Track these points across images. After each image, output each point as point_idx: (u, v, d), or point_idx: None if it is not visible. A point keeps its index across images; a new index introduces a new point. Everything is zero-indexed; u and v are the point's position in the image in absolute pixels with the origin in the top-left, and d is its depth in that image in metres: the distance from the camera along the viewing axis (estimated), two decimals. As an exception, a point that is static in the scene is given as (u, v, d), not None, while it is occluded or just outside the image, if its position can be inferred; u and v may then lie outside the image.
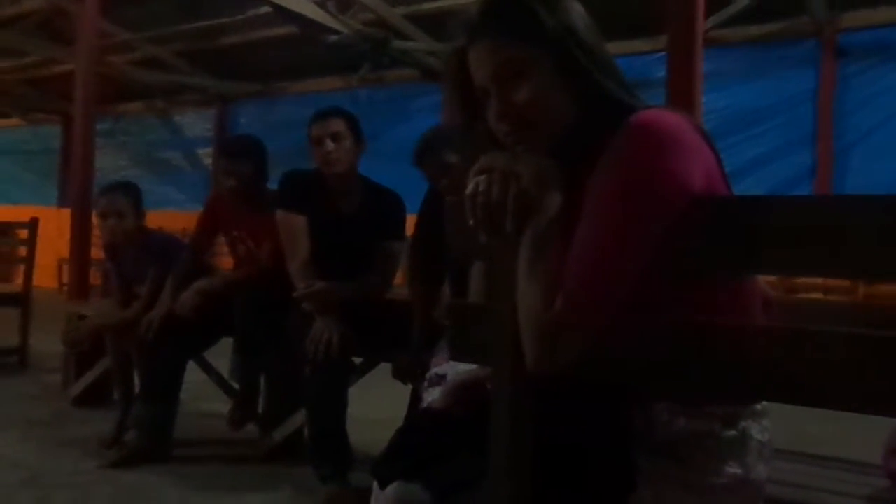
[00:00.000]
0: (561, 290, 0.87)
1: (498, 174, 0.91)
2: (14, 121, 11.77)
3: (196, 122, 9.94)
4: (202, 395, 3.28)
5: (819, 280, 5.16)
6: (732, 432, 0.97)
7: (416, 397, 2.44)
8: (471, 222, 0.90)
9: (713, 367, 0.85)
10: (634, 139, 0.89)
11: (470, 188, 0.91)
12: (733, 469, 0.97)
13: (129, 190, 2.95)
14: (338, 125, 2.54)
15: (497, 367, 0.93)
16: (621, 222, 0.87)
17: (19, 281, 4.51)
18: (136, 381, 2.96)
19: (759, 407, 1.01)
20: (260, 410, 3.01)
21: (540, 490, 0.92)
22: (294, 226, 2.55)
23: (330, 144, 2.52)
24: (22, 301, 4.32)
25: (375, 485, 1.06)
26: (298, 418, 2.72)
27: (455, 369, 1.96)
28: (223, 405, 3.16)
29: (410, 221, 2.77)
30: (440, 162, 2.31)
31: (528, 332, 0.88)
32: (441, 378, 1.97)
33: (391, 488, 0.99)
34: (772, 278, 4.17)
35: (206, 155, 9.74)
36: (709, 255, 0.87)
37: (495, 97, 0.98)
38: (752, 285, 1.03)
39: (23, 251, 4.43)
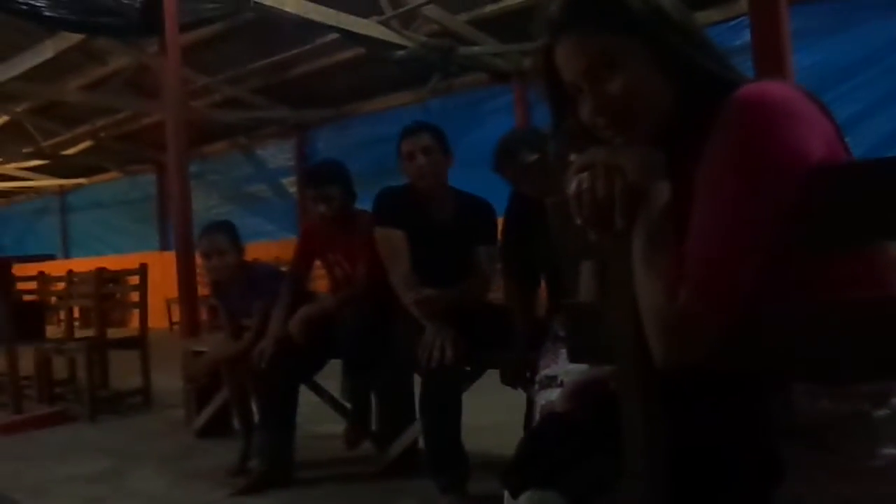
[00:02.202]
0: (684, 280, 0.83)
1: (600, 169, 0.88)
2: (113, 174, 12.50)
3: (277, 154, 10.27)
4: (317, 418, 3.36)
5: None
6: (885, 411, 0.91)
7: (531, 401, 2.42)
8: (578, 222, 0.88)
9: (857, 344, 0.79)
10: (743, 115, 0.84)
11: (573, 187, 0.88)
12: (890, 450, 0.90)
13: (226, 229, 3.07)
14: (427, 140, 2.61)
15: (622, 368, 0.90)
16: (741, 204, 0.82)
17: (134, 324, 4.77)
18: (255, 409, 3.06)
19: None
20: (374, 427, 3.06)
21: (680, 492, 0.88)
22: (393, 241, 2.61)
23: (421, 159, 2.58)
24: (140, 343, 4.56)
25: (507, 494, 1.05)
26: (412, 432, 2.74)
27: (565, 369, 1.93)
28: (338, 426, 3.24)
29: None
30: (519, 165, 2.29)
31: (654, 328, 0.85)
32: (551, 380, 1.94)
33: (525, 497, 0.97)
34: None
35: (289, 184, 10.04)
36: (839, 224, 0.82)
37: (589, 92, 0.95)
38: (884, 253, 0.96)
39: (135, 296, 4.68)
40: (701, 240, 0.84)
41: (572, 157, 0.97)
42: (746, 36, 2.77)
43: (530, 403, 2.44)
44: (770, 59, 2.28)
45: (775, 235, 0.82)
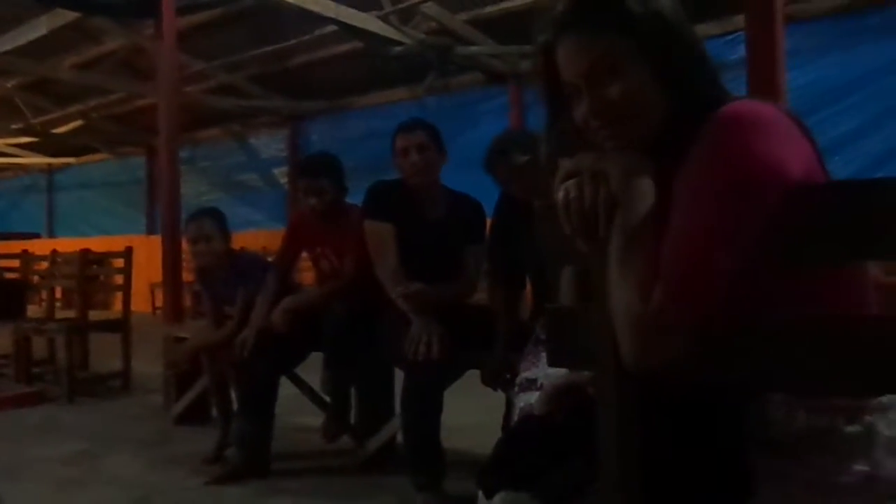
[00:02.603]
0: (659, 283, 0.84)
1: (587, 177, 0.89)
2: (102, 155, 12.42)
3: (270, 143, 10.24)
4: (296, 410, 3.35)
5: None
6: (857, 428, 0.92)
7: (510, 403, 2.43)
8: (567, 230, 0.89)
9: (832, 361, 0.81)
10: (723, 130, 0.86)
11: (561, 195, 0.89)
12: (860, 466, 0.92)
13: (214, 215, 3.06)
14: (422, 137, 2.60)
15: (600, 372, 0.91)
16: (717, 212, 0.84)
17: (117, 307, 4.74)
18: (234, 398, 3.06)
19: (884, 400, 0.96)
20: (353, 422, 3.06)
21: (653, 500, 0.89)
22: (381, 234, 2.60)
23: (415, 155, 2.58)
24: (122, 326, 4.54)
25: (481, 494, 1.06)
26: (391, 428, 2.75)
27: (545, 373, 1.94)
28: (317, 418, 3.24)
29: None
30: (510, 165, 2.30)
31: (625, 329, 0.86)
32: (531, 382, 1.95)
33: (499, 497, 0.98)
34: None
35: (281, 174, 10.02)
36: (813, 243, 0.83)
37: (587, 93, 0.95)
38: (862, 272, 0.98)
39: (119, 279, 4.65)
40: (676, 243, 0.85)
41: (562, 161, 0.98)
42: (742, 51, 2.80)
43: (509, 405, 2.45)
44: (764, 76, 2.30)
45: (749, 248, 0.83)
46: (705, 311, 0.83)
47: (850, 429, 0.92)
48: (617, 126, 0.95)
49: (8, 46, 6.20)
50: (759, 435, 0.94)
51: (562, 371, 1.65)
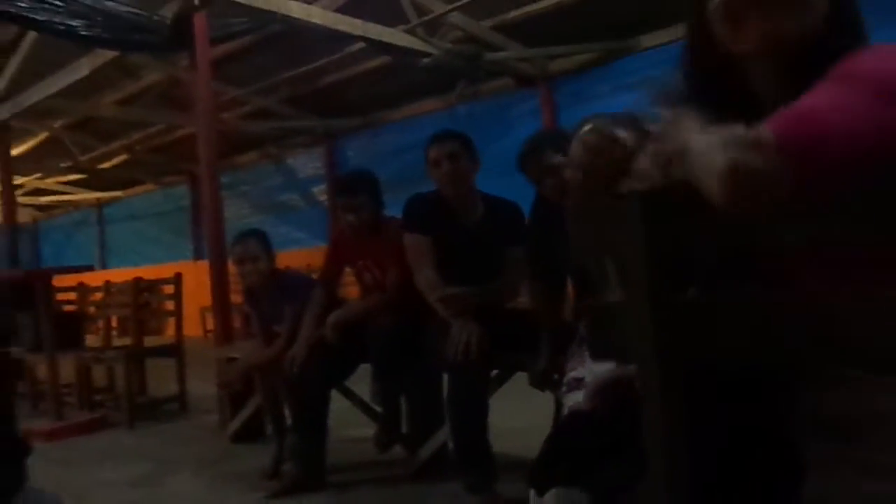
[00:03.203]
0: (770, 120, 0.80)
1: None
2: (147, 186, 12.76)
3: (307, 163, 10.38)
4: (348, 422, 3.40)
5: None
6: None
7: (560, 404, 2.43)
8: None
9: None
10: (876, 49, 0.86)
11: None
12: None
13: (259, 236, 3.14)
14: (453, 146, 2.65)
15: (642, 366, 0.92)
16: (852, 97, 0.82)
17: (169, 332, 4.87)
18: (287, 413, 3.11)
19: None
20: (404, 431, 3.09)
21: (702, 489, 0.89)
22: (419, 246, 2.66)
23: (447, 165, 2.62)
24: (176, 351, 4.66)
25: (533, 493, 1.07)
26: (442, 435, 2.77)
27: (591, 370, 1.95)
28: (369, 429, 3.27)
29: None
30: (542, 164, 2.31)
31: (718, 160, 0.78)
32: (579, 381, 1.95)
33: (550, 495, 0.99)
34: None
35: (319, 192, 10.14)
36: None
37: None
38: None
39: (170, 305, 4.78)
40: (806, 98, 0.83)
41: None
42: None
43: (558, 406, 2.45)
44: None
45: (869, 156, 0.80)
46: (806, 164, 0.78)
47: None
48: (775, 11, 0.94)
49: (53, 89, 6.42)
50: (811, 418, 0.93)
51: (608, 367, 1.66)
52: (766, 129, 0.79)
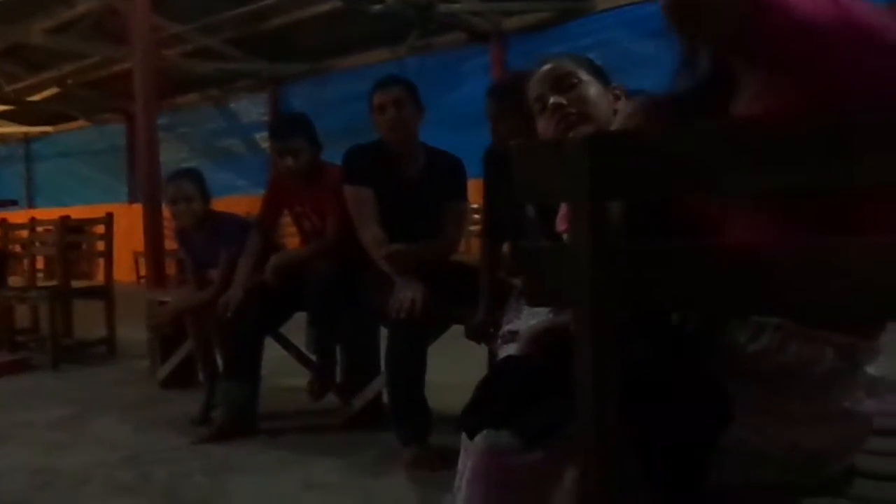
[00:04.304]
0: None
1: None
2: (80, 123, 12.20)
3: (251, 108, 10.09)
4: (282, 370, 3.36)
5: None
6: (844, 364, 0.93)
7: (493, 357, 2.44)
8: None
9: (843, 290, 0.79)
10: None
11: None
12: (841, 401, 0.93)
13: (193, 175, 3.03)
14: (399, 92, 2.59)
15: (577, 308, 0.91)
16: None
17: (100, 277, 4.71)
18: (219, 360, 3.06)
19: (876, 344, 0.96)
20: (338, 380, 3.08)
21: (628, 431, 0.90)
22: (362, 199, 2.62)
23: (392, 111, 2.57)
24: (105, 293, 4.51)
25: (464, 436, 1.07)
26: (376, 385, 2.77)
27: (527, 324, 1.96)
28: (302, 378, 3.25)
29: (470, 185, 2.78)
30: (495, 107, 2.28)
31: None
32: (514, 335, 1.96)
33: (480, 437, 0.98)
34: None
35: (262, 139, 9.89)
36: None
37: None
38: None
39: (101, 246, 4.61)
40: None
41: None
42: None
43: (492, 359, 2.47)
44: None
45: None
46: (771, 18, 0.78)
47: (839, 364, 0.93)
48: None
49: (-23, 10, 6.04)
50: (743, 368, 0.95)
51: (542, 320, 1.66)
52: None
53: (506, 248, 2.51)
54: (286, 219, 3.16)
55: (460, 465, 1.09)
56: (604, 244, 0.89)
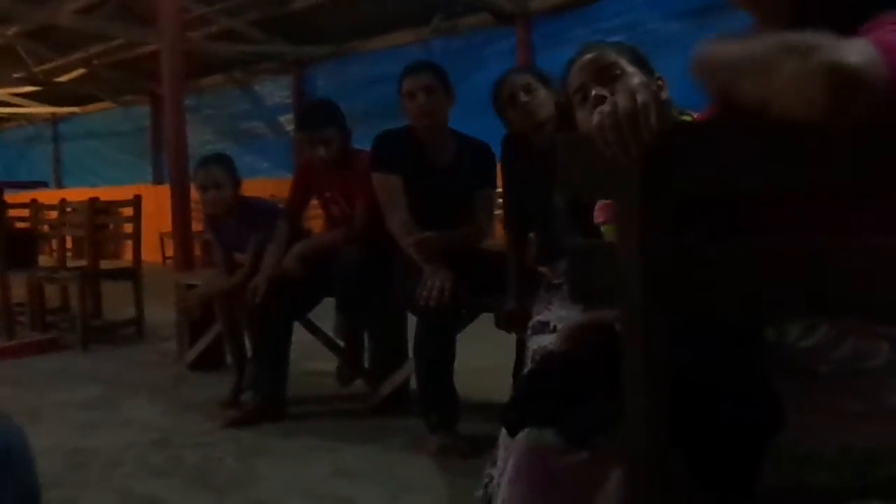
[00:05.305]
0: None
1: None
2: (105, 104, 12.27)
3: (275, 90, 10.08)
4: (310, 355, 3.38)
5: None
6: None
7: (522, 346, 2.43)
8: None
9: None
10: None
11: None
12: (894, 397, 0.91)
13: (223, 161, 3.04)
14: (429, 79, 2.57)
15: (626, 308, 0.89)
16: None
17: (127, 256, 4.74)
18: (248, 344, 3.08)
19: None
20: (366, 366, 3.09)
21: (679, 433, 0.89)
22: (390, 186, 2.60)
23: (422, 97, 2.54)
24: (133, 275, 4.55)
25: (504, 432, 1.06)
26: (404, 371, 2.77)
27: (557, 315, 1.94)
28: (331, 363, 3.27)
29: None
30: (505, 93, 2.27)
31: (797, 66, 0.73)
32: (544, 325, 1.95)
33: (522, 435, 0.98)
34: None
35: (286, 122, 9.89)
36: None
37: None
38: None
39: (129, 228, 4.65)
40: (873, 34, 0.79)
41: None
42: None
43: (521, 348, 2.46)
44: None
45: None
46: None
47: (894, 357, 0.91)
48: None
49: (6, -8, 6.07)
50: (796, 366, 0.93)
51: (575, 313, 1.65)
52: (856, 38, 0.74)
53: (532, 236, 2.49)
54: (313, 202, 3.16)
55: (500, 463, 1.09)
56: (654, 244, 0.88)
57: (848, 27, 0.82)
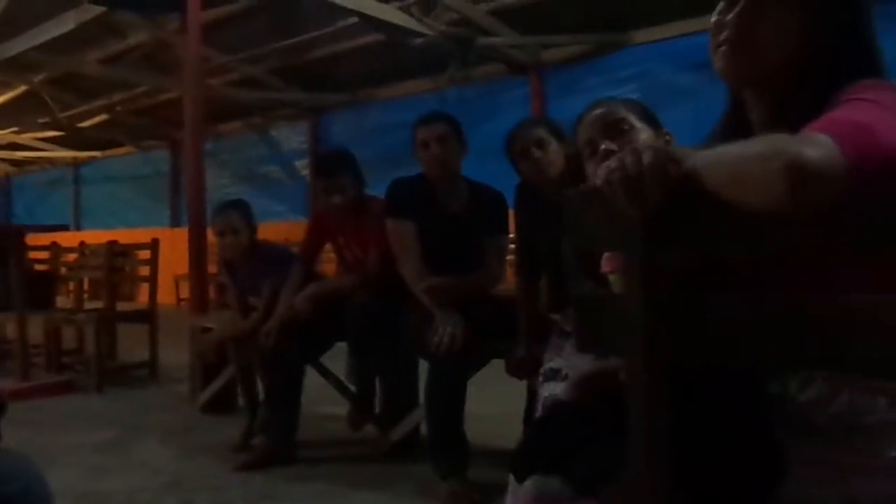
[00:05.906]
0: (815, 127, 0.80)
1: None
2: (126, 149, 12.55)
3: (291, 136, 10.28)
4: (322, 399, 3.39)
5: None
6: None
7: (532, 393, 2.44)
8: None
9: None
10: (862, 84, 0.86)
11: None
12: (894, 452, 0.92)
13: (241, 207, 3.10)
14: (443, 129, 2.62)
15: (630, 357, 0.92)
16: (882, 114, 0.82)
17: (143, 299, 4.81)
18: (260, 387, 3.10)
19: None
20: (377, 411, 3.09)
21: (682, 482, 0.90)
22: (404, 232, 2.64)
23: (436, 147, 2.60)
24: (149, 317, 4.61)
25: (512, 479, 1.07)
26: (415, 417, 2.77)
27: (569, 363, 1.95)
28: (342, 407, 3.27)
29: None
30: (518, 144, 2.31)
31: (774, 158, 0.76)
32: (555, 373, 1.96)
33: (530, 482, 0.99)
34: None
35: (302, 166, 10.07)
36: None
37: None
38: None
39: (145, 270, 4.72)
40: (834, 113, 0.83)
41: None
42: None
43: (532, 395, 2.46)
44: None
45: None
46: (864, 165, 0.76)
47: (892, 413, 0.92)
48: (731, 49, 0.98)
49: (35, 42, 6.29)
50: (795, 418, 0.94)
51: (586, 361, 1.66)
52: (813, 131, 0.79)
53: (543, 283, 2.52)
54: (326, 247, 3.21)
55: (508, 509, 1.10)
56: (657, 295, 0.91)
57: (827, 98, 0.87)
